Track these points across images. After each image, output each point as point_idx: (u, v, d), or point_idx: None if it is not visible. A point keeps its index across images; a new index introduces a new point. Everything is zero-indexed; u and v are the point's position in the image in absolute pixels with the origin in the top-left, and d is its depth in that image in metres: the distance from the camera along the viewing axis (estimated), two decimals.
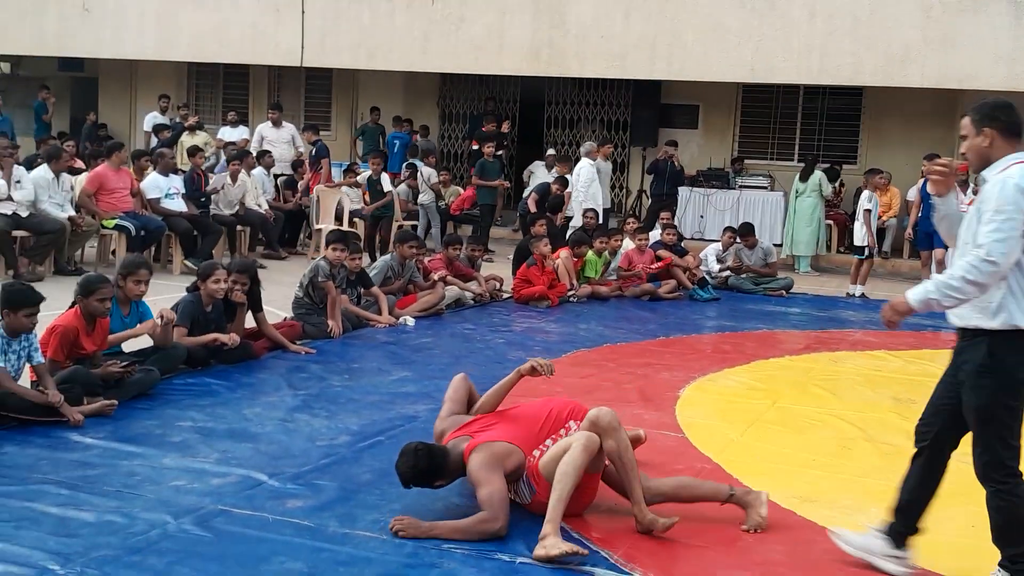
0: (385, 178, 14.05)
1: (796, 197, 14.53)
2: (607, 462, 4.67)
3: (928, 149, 14.96)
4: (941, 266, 12.38)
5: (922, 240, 12.38)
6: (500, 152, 15.86)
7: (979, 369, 3.87)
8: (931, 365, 8.59)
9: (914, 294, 3.95)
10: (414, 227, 14.50)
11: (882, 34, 14.17)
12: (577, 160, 14.05)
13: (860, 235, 12.49)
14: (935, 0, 13.86)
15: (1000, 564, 4.02)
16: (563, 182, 13.96)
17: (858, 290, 12.48)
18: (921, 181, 12.43)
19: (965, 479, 5.58)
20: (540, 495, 4.58)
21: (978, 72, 13.83)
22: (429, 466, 4.55)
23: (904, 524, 4.24)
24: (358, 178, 14.40)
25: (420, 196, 15.07)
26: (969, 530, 4.83)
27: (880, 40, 14.20)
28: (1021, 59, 13.59)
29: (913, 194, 13.84)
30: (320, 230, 13.38)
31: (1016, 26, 13.54)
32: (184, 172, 12.96)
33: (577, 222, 12.78)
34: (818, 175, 14.55)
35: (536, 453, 4.72)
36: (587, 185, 13.12)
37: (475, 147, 16.49)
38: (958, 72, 13.96)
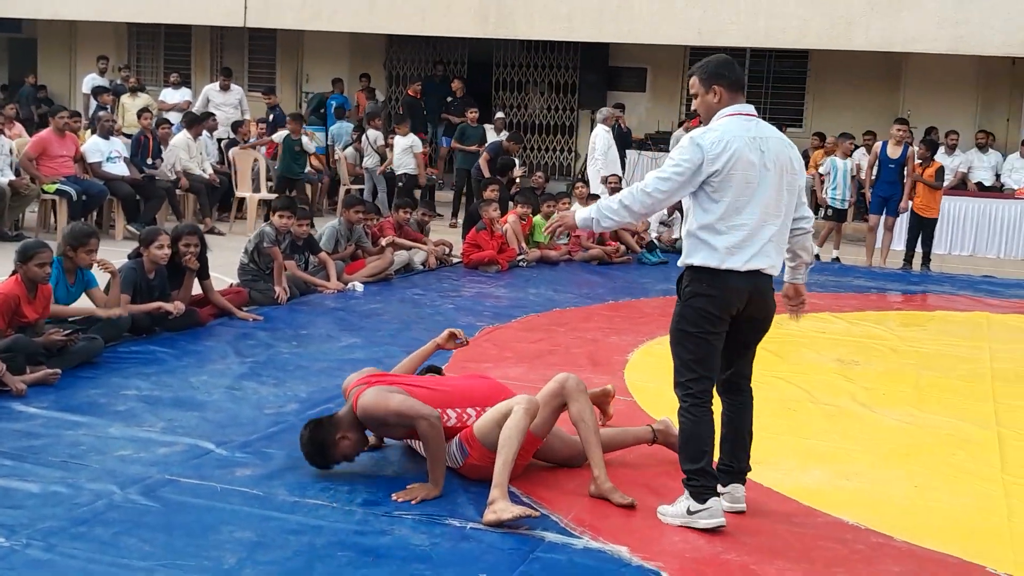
0: (305, 140, 13.90)
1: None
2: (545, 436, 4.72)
3: (873, 112, 15.19)
4: (890, 233, 12.57)
5: (875, 204, 12.46)
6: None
7: (677, 298, 4.35)
8: (875, 327, 8.75)
9: (580, 212, 4.51)
10: (361, 191, 14.41)
11: None
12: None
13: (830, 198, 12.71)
14: None
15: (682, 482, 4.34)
16: (516, 139, 13.94)
17: (834, 253, 12.70)
18: (879, 144, 12.51)
19: (908, 439, 5.71)
20: (473, 458, 4.60)
21: (922, 35, 13.98)
22: (320, 439, 4.53)
23: (726, 463, 4.49)
24: (274, 136, 14.27)
25: (365, 160, 14.93)
26: (912, 490, 4.93)
27: (825, 3, 14.28)
28: (964, 22, 13.74)
29: (860, 157, 13.96)
30: (244, 199, 13.21)
31: None
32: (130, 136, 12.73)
33: (596, 189, 12.77)
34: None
35: (457, 416, 4.73)
36: (604, 152, 13.17)
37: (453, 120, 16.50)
38: (902, 36, 14.09)
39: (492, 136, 15.47)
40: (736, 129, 4.25)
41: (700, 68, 4.44)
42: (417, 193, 13.95)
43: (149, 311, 6.99)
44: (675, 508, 4.32)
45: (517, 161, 14.19)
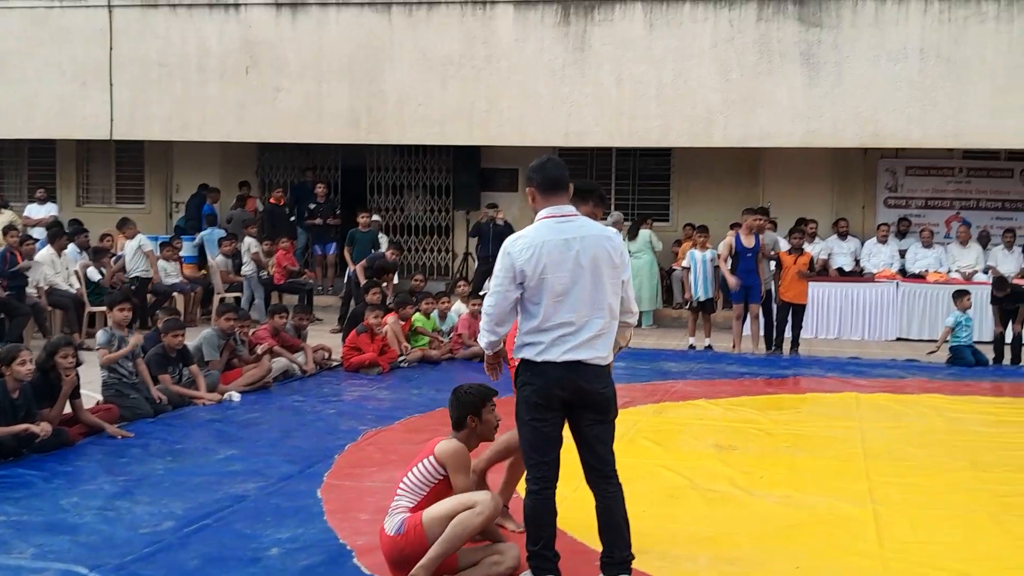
0: (129, 245, 13.80)
1: (630, 256, 14.93)
2: None
3: (736, 205, 15.74)
4: (756, 320, 12.94)
5: (736, 293, 12.84)
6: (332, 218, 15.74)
7: None
8: (749, 412, 8.96)
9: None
10: (238, 299, 14.22)
11: (686, 98, 14.86)
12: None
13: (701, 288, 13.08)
14: (734, 64, 14.65)
15: None
16: (397, 247, 14.00)
17: (706, 342, 13.00)
18: (733, 235, 12.88)
19: (787, 521, 5.84)
20: (404, 540, 4.70)
21: (777, 131, 14.67)
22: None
23: (606, 554, 4.65)
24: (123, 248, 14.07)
25: (243, 267, 14.79)
26: (794, 571, 5.03)
27: (684, 104, 14.89)
28: (816, 117, 14.48)
29: (723, 248, 14.40)
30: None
31: (809, 87, 14.45)
32: None
33: None
34: (647, 233, 15.08)
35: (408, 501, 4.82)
36: None
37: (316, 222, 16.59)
38: (759, 132, 14.76)
39: (384, 240, 15.54)
40: (545, 232, 4.45)
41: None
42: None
43: (15, 433, 6.71)
44: None
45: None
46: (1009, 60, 13.92)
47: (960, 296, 12.49)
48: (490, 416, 5.07)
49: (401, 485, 4.95)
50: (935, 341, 12.76)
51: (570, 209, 4.53)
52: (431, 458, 4.91)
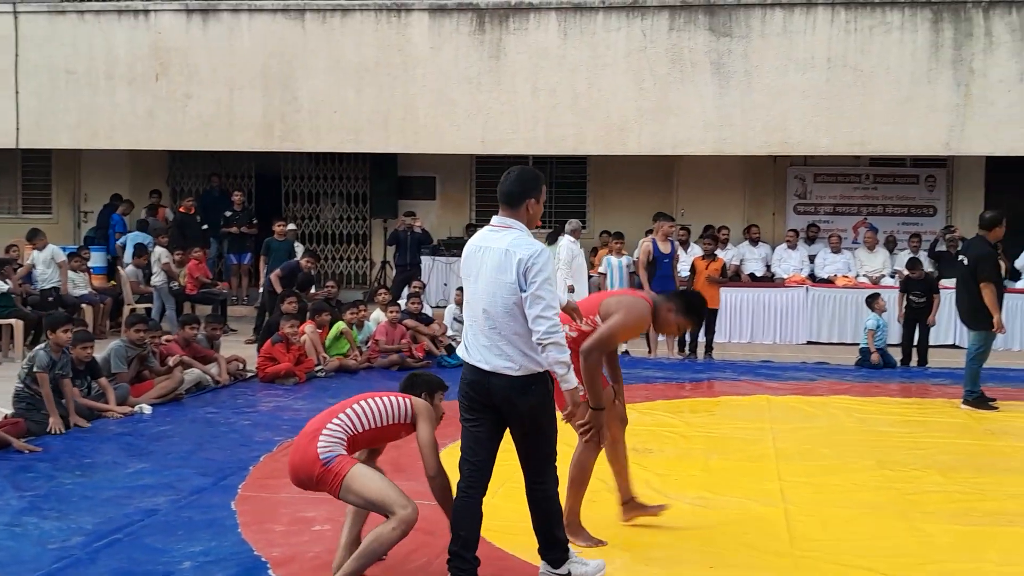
0: (40, 256, 13.45)
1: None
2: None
3: (651, 212, 15.92)
4: None
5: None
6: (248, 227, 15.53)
7: None
8: (665, 415, 9.08)
9: (564, 385, 4.65)
10: (148, 310, 13.95)
11: (600, 106, 15.01)
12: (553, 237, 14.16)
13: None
14: (647, 73, 14.84)
15: None
16: (313, 256, 13.86)
17: (622, 347, 13.07)
18: (649, 241, 12.99)
19: (702, 521, 5.92)
20: (326, 473, 4.74)
21: (689, 139, 14.90)
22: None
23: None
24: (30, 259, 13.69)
25: (153, 278, 14.52)
26: (708, 570, 5.10)
27: (599, 112, 15.04)
28: (727, 125, 14.75)
29: (641, 254, 14.55)
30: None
31: (720, 96, 14.70)
32: None
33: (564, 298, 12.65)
34: (566, 239, 15.14)
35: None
36: (568, 262, 13.04)
37: (232, 230, 16.37)
38: (671, 140, 14.97)
39: (299, 248, 15.37)
40: (476, 239, 4.71)
41: None
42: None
43: None
44: None
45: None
46: (913, 69, 14.34)
47: (875, 299, 12.79)
48: (439, 404, 5.20)
49: (356, 407, 4.90)
50: (845, 344, 13.03)
51: (503, 220, 4.66)
52: (407, 400, 4.96)
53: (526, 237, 4.60)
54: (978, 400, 9.71)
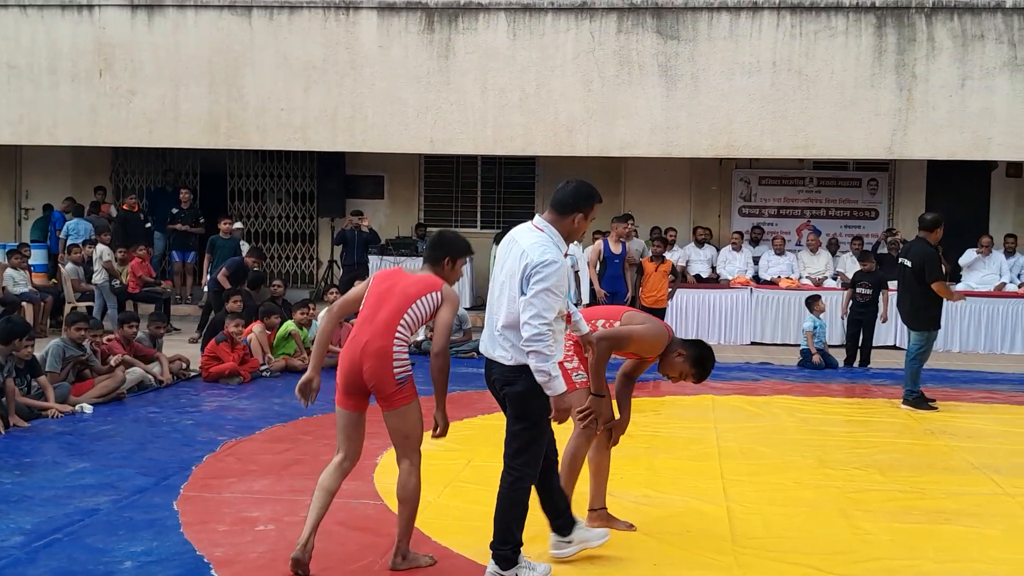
0: None
1: (495, 261, 15.00)
2: None
3: (599, 214, 15.95)
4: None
5: (608, 300, 12.99)
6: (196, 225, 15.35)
7: None
8: None
9: (554, 385, 4.67)
10: (90, 309, 13.76)
11: (549, 107, 15.06)
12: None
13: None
14: (595, 75, 14.91)
15: None
16: (258, 253, 13.74)
17: None
18: (600, 241, 13.05)
19: (645, 519, 5.96)
20: (397, 393, 4.96)
21: (636, 141, 15.00)
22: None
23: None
24: None
25: (94, 276, 14.31)
26: (651, 567, 5.14)
27: (547, 113, 15.09)
28: (674, 128, 14.87)
29: (591, 254, 14.60)
30: None
31: (667, 98, 14.82)
32: None
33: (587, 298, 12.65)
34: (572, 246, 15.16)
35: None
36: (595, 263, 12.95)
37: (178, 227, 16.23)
38: (619, 142, 15.06)
39: (245, 247, 15.25)
40: (514, 231, 4.86)
41: None
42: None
43: None
44: None
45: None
46: (857, 73, 14.56)
47: (814, 301, 12.97)
48: (459, 270, 5.20)
49: (408, 317, 4.92)
50: (788, 345, 13.15)
51: (537, 220, 4.82)
52: (435, 293, 4.96)
53: (549, 244, 4.68)
54: (918, 400, 9.89)
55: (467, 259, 5.24)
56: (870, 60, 14.54)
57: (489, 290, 4.90)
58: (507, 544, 4.77)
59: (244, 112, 15.52)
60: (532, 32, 15.02)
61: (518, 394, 4.69)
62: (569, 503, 5.30)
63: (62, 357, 9.14)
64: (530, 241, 4.69)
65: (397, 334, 4.89)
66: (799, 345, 13.05)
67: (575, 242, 4.87)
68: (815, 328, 12.70)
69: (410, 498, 4.95)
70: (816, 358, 12.47)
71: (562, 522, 5.12)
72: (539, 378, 4.55)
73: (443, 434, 4.96)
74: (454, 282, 5.19)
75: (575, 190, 4.85)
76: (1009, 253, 15.38)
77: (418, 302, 4.94)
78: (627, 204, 16.63)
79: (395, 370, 4.88)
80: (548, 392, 4.59)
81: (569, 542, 5.11)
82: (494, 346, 4.77)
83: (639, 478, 6.91)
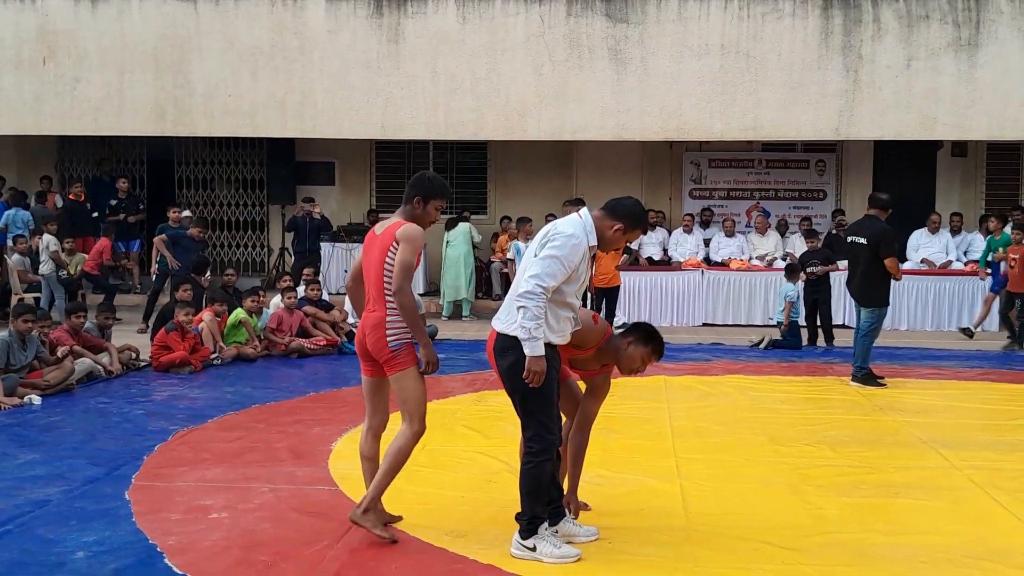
0: None
1: (447, 246, 15.05)
2: None
3: (550, 197, 16.05)
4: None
5: None
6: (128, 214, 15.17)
7: None
8: None
9: (528, 349, 4.74)
10: (37, 299, 13.56)
11: (500, 91, 15.04)
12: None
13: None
14: (546, 59, 14.91)
15: None
16: (202, 223, 13.64)
17: None
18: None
19: (599, 499, 6.00)
20: (392, 359, 5.05)
21: (587, 124, 15.03)
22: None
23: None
24: None
25: (41, 266, 14.09)
26: (606, 545, 5.18)
27: (499, 97, 15.07)
28: (624, 111, 14.91)
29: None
30: None
31: (617, 82, 14.86)
32: None
33: None
34: (467, 225, 15.17)
35: None
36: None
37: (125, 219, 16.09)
38: (570, 125, 15.08)
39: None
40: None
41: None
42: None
43: None
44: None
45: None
46: (804, 55, 14.69)
47: (793, 271, 13.01)
48: (433, 212, 5.18)
49: (388, 278, 5.00)
50: (740, 326, 13.22)
51: (586, 213, 4.97)
52: (392, 243, 5.00)
53: (579, 225, 4.85)
54: (866, 377, 10.03)
55: (443, 201, 5.21)
56: (817, 42, 14.68)
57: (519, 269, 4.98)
58: (524, 515, 4.91)
59: (191, 99, 15.34)
60: (482, 16, 14.97)
61: (505, 368, 4.80)
62: (562, 493, 5.32)
63: (7, 352, 8.96)
64: (564, 220, 4.93)
65: (387, 299, 4.99)
66: (751, 325, 13.13)
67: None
68: (797, 299, 12.76)
69: (391, 458, 5.07)
70: (785, 326, 12.54)
71: (551, 510, 5.09)
72: (520, 333, 4.64)
73: (433, 370, 5.06)
74: (428, 225, 5.18)
75: (634, 205, 5.05)
76: (955, 231, 15.63)
77: (387, 257, 5.02)
78: (579, 188, 16.67)
79: (388, 338, 4.99)
80: (526, 351, 4.64)
81: (555, 533, 5.08)
82: (497, 318, 4.91)
83: (593, 458, 6.88)
